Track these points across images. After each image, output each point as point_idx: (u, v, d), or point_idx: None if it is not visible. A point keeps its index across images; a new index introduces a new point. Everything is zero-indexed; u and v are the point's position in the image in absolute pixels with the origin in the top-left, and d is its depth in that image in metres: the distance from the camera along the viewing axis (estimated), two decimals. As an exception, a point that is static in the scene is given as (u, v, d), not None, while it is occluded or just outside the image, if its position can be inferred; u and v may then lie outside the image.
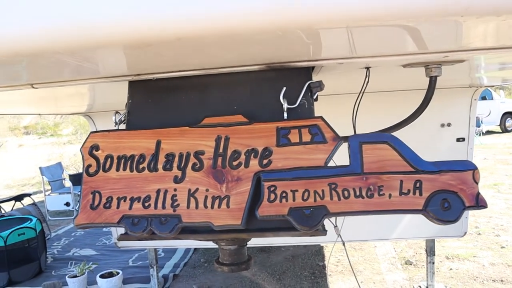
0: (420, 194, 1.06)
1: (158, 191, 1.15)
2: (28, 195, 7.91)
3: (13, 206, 7.63)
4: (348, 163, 1.10)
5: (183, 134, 1.17)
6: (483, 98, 16.38)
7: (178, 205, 1.13)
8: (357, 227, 3.83)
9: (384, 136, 1.10)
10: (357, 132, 1.41)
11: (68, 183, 9.56)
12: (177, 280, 5.15)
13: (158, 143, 1.17)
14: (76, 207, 9.02)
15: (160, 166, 1.16)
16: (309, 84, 1.17)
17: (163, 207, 1.14)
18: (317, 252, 5.76)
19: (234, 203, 1.11)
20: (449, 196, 1.05)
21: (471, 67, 1.79)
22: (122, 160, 1.17)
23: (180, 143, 1.16)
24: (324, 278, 4.93)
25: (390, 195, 1.06)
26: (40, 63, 0.96)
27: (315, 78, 1.21)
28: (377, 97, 1.51)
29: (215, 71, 1.13)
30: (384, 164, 1.07)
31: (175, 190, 1.14)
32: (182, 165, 1.15)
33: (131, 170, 1.17)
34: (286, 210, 1.07)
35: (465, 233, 3.75)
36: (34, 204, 7.75)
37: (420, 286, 4.22)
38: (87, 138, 1.19)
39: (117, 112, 1.26)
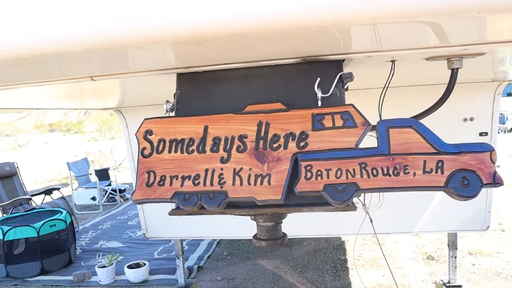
0: (442, 172, 1.16)
1: (206, 170, 1.29)
2: (57, 189, 8.19)
3: (43, 200, 7.93)
4: (376, 146, 1.22)
5: (228, 120, 1.31)
6: (509, 94, 16.05)
7: (224, 182, 1.27)
8: (379, 219, 3.89)
9: (409, 121, 1.22)
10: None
11: (94, 178, 9.88)
12: (201, 272, 5.31)
13: (206, 128, 1.31)
14: (102, 202, 9.33)
15: (208, 148, 1.30)
16: (340, 75, 1.29)
17: (211, 184, 1.27)
18: (339, 246, 5.84)
19: (275, 181, 1.24)
20: (468, 175, 1.15)
21: (493, 61, 1.86)
22: (174, 143, 1.31)
23: (226, 128, 1.30)
24: (346, 271, 5.01)
25: (414, 174, 1.17)
26: (109, 57, 1.11)
27: (346, 70, 1.33)
28: (399, 91, 1.61)
29: (256, 64, 1.27)
30: (409, 146, 1.19)
31: (221, 169, 1.28)
32: (228, 147, 1.28)
33: (182, 152, 1.31)
34: (321, 186, 1.20)
35: (488, 227, 3.77)
36: (62, 197, 8.05)
37: (442, 281, 4.25)
38: (141, 124, 1.34)
39: (167, 101, 1.41)
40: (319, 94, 1.26)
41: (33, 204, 7.62)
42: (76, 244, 6.50)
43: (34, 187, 11.89)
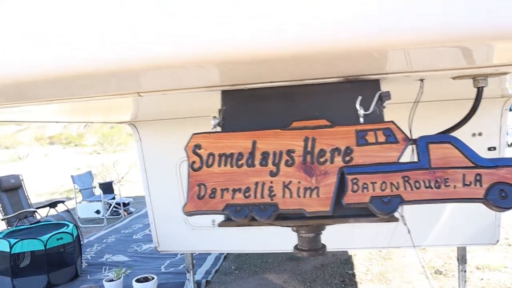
0: (480, 185, 1.24)
1: (256, 183, 1.35)
2: (62, 202, 8.20)
3: (48, 213, 7.92)
4: (416, 160, 1.30)
5: (275, 135, 1.38)
6: (510, 109, 16.14)
7: (274, 195, 1.34)
8: (389, 233, 3.92)
9: (447, 137, 1.30)
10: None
11: (98, 191, 9.89)
12: (210, 286, 5.31)
13: (254, 143, 1.37)
14: (106, 215, 9.33)
15: (257, 162, 1.37)
16: (380, 94, 1.38)
17: (262, 196, 1.34)
18: (346, 260, 5.85)
19: (323, 193, 1.31)
20: (505, 187, 1.23)
21: (504, 79, 1.94)
22: (223, 157, 1.37)
23: (274, 143, 1.37)
24: (355, 286, 5.02)
25: (455, 186, 1.25)
26: (162, 75, 1.18)
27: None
28: (423, 106, 1.69)
29: (301, 82, 1.35)
30: (448, 160, 1.27)
31: (271, 182, 1.34)
32: (276, 161, 1.35)
33: (231, 166, 1.37)
34: (368, 198, 1.27)
35: (497, 241, 3.81)
36: (67, 210, 8.05)
37: (451, 294, 4.27)
38: (190, 139, 1.40)
39: (214, 117, 1.48)
40: (361, 112, 1.34)
41: (38, 217, 7.63)
42: (82, 258, 6.49)
43: (36, 199, 11.86)
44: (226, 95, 1.47)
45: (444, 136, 1.30)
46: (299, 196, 1.32)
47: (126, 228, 8.86)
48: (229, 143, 1.38)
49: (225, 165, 1.37)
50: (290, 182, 1.33)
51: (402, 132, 1.31)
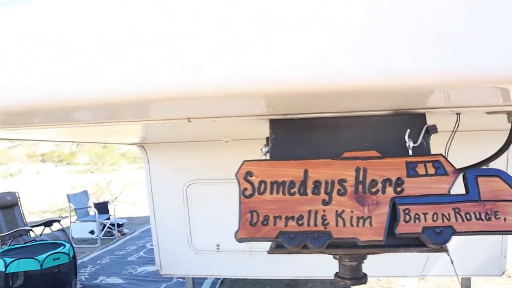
0: (530, 218, 1.29)
1: (309, 212, 1.37)
2: (57, 221, 8.04)
3: (42, 231, 7.76)
4: (464, 192, 1.34)
5: (327, 165, 1.41)
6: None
7: (328, 223, 1.36)
8: (392, 261, 3.90)
9: (496, 171, 1.35)
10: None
11: (92, 211, 9.74)
12: (208, 311, 5.22)
13: (306, 172, 1.40)
14: (100, 236, 9.16)
15: (309, 191, 1.39)
16: (427, 127, 1.43)
17: (315, 225, 1.36)
18: (346, 288, 5.79)
19: (376, 222, 1.34)
20: (554, 220, 1.28)
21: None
22: (275, 185, 1.40)
23: (325, 172, 1.40)
24: (356, 314, 4.96)
25: (505, 219, 1.29)
26: (218, 103, 1.21)
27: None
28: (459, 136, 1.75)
29: (350, 114, 1.39)
30: (498, 193, 1.31)
31: (324, 211, 1.37)
32: (329, 190, 1.38)
33: (284, 194, 1.39)
34: (420, 228, 1.31)
35: (504, 272, 3.84)
36: (62, 230, 7.91)
37: (454, 325, 4.24)
38: (241, 166, 1.42)
39: (265, 145, 1.51)
40: (411, 144, 1.39)
41: (32, 236, 7.47)
42: (76, 279, 6.34)
43: (28, 218, 11.61)
44: (275, 123, 1.51)
45: (493, 170, 1.35)
46: (352, 225, 1.34)
47: (120, 249, 8.70)
48: (280, 171, 1.41)
49: (277, 193, 1.39)
50: (343, 211, 1.36)
51: (451, 164, 1.36)
